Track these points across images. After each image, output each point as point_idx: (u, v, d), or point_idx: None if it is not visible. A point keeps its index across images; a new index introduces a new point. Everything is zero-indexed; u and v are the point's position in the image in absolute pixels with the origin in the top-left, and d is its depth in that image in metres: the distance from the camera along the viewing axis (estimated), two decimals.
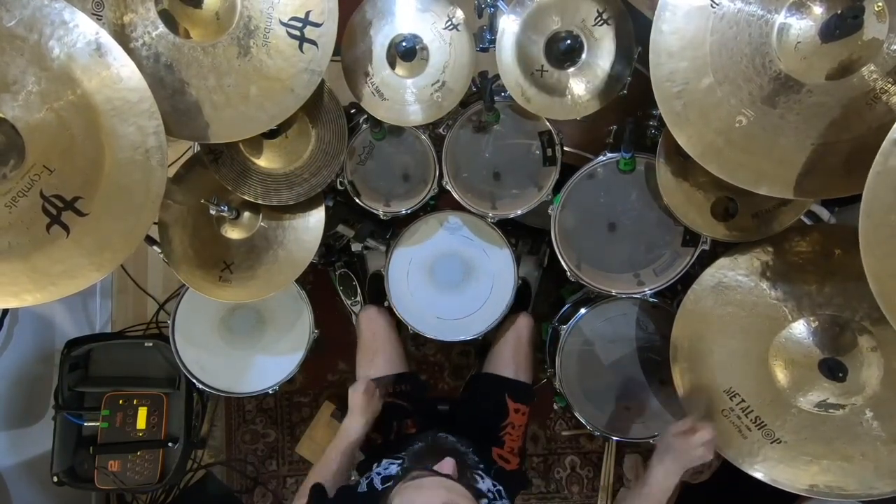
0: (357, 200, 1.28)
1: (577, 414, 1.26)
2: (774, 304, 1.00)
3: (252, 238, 1.24)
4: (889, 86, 0.79)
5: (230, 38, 0.98)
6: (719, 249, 1.09)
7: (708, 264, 1.06)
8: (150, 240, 1.17)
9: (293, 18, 0.98)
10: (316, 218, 1.24)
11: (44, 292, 0.87)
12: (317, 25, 0.98)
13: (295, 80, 1.00)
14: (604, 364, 1.28)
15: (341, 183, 1.26)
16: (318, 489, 0.97)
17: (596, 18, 1.06)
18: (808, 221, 1.16)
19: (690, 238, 1.15)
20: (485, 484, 0.97)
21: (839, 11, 0.77)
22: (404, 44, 1.09)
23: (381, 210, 1.28)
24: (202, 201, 1.16)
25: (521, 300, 1.51)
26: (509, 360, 1.29)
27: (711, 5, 0.84)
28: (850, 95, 0.80)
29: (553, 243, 1.19)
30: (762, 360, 1.00)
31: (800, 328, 0.98)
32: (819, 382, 0.95)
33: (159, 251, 1.20)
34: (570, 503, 1.84)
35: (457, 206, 1.29)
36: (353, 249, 1.58)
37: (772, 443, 0.99)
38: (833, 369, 0.91)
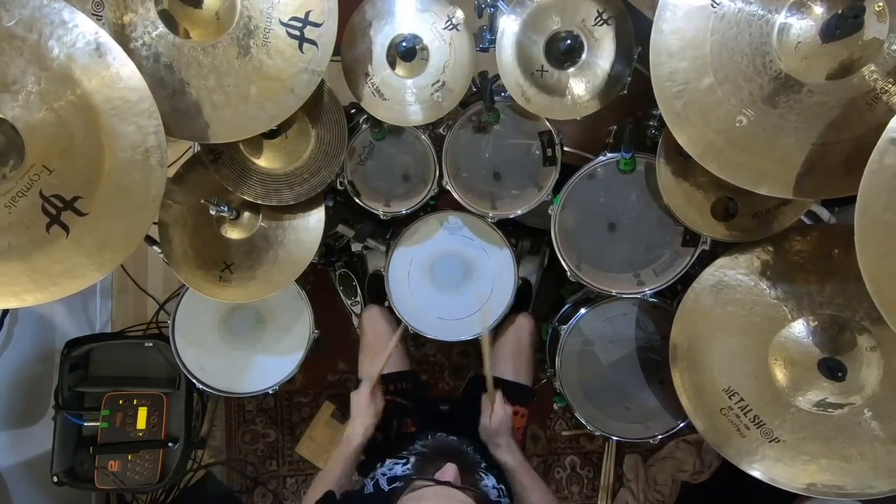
0: (357, 200, 1.28)
1: (577, 414, 1.26)
2: (774, 303, 1.00)
3: (252, 238, 1.24)
4: (889, 86, 0.79)
5: (230, 39, 0.98)
6: (719, 249, 1.09)
7: (708, 264, 1.06)
8: (150, 240, 1.17)
9: (293, 18, 0.98)
10: (316, 218, 1.24)
11: (44, 292, 0.86)
12: (317, 25, 0.98)
13: (295, 80, 1.00)
14: (604, 364, 1.28)
15: (341, 183, 1.26)
16: (329, 497, 0.97)
17: (596, 18, 1.06)
18: (808, 221, 1.16)
19: (690, 238, 1.15)
20: (489, 481, 0.98)
21: (840, 11, 0.77)
22: (404, 44, 1.09)
23: (381, 210, 1.28)
24: (202, 201, 1.16)
25: (522, 300, 1.51)
26: (509, 361, 1.30)
27: (712, 5, 0.84)
28: (851, 95, 0.80)
29: (553, 243, 1.19)
30: (761, 360, 1.00)
31: (799, 328, 0.98)
32: (818, 382, 0.96)
33: (159, 251, 1.20)
34: (570, 503, 1.84)
35: (457, 207, 1.29)
36: (353, 249, 1.58)
37: (770, 442, 0.99)
38: (832, 369, 0.91)
